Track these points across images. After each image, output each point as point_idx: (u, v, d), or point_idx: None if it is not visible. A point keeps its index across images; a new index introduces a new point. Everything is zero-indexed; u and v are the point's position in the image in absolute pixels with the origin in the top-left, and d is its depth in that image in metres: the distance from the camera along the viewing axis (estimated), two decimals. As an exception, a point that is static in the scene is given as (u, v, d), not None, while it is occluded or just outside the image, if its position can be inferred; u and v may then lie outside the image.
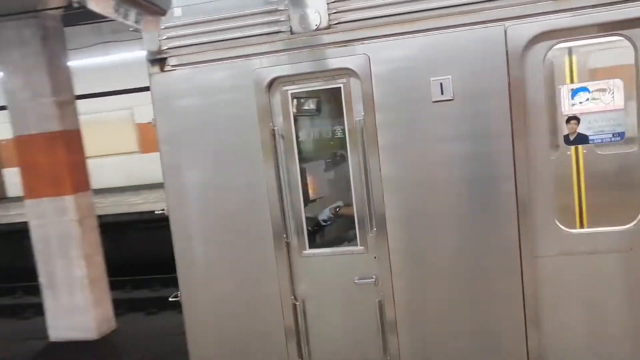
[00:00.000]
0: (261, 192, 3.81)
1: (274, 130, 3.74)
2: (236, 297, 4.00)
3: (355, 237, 3.80)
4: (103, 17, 2.92)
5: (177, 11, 3.77)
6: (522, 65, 3.34)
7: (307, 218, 3.93)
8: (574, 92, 3.46)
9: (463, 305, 3.65)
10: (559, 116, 3.66)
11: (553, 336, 3.57)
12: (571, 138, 3.51)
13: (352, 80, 3.60)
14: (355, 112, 3.62)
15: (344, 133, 3.71)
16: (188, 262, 4.07)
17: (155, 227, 9.26)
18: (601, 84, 3.44)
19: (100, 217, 7.51)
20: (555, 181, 3.54)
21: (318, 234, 4.06)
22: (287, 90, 3.71)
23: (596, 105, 3.42)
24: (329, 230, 4.10)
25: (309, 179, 4.00)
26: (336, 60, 3.57)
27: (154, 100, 3.93)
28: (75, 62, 8.04)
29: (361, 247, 3.77)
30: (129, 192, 15.43)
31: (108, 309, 7.57)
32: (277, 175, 3.77)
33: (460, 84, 3.42)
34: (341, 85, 3.63)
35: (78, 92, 7.39)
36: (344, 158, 3.81)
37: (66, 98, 7.04)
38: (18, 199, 13.32)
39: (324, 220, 4.08)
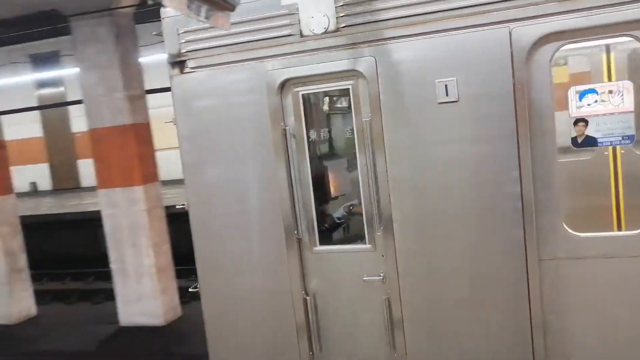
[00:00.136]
0: (274, 190, 3.90)
1: (285, 130, 3.81)
2: (250, 290, 4.10)
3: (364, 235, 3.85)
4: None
5: None
6: (527, 67, 3.30)
7: (327, 215, 4.07)
8: (582, 94, 3.37)
9: (468, 307, 3.64)
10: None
11: (559, 339, 3.52)
12: (579, 140, 3.43)
13: (360, 81, 3.64)
14: (363, 113, 3.66)
15: (352, 133, 3.77)
16: (206, 255, 4.20)
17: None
18: (610, 85, 3.36)
19: (167, 207, 7.76)
20: (564, 183, 3.48)
21: (333, 231, 4.16)
22: (298, 91, 3.80)
23: (605, 108, 3.33)
24: (342, 228, 4.20)
25: (331, 177, 4.12)
26: (344, 62, 3.63)
27: (174, 101, 4.08)
28: (146, 58, 8.32)
29: (369, 246, 3.81)
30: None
31: (174, 296, 7.82)
32: (289, 173, 3.85)
33: (465, 86, 3.41)
34: (350, 87, 3.68)
35: (147, 86, 7.67)
36: None
37: (137, 93, 7.31)
38: (91, 189, 13.97)
39: (338, 218, 4.18)
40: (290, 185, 3.86)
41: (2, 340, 7.98)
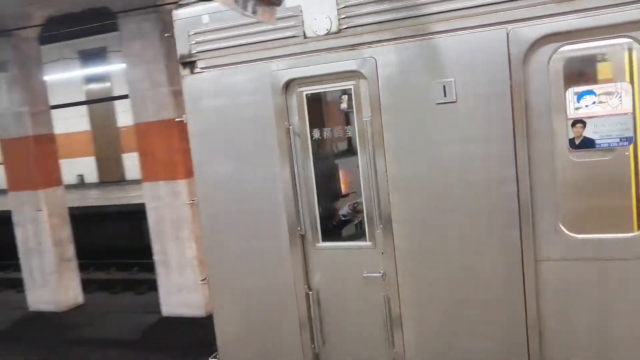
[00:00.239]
0: (278, 187, 4.00)
1: (289, 129, 3.88)
2: (257, 283, 4.20)
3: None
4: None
5: (204, 18, 4.02)
6: (525, 68, 3.30)
7: (336, 212, 4.18)
8: (580, 96, 3.35)
9: (465, 305, 3.66)
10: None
11: (554, 340, 3.51)
12: (577, 142, 3.40)
13: (362, 82, 3.70)
14: (364, 112, 3.71)
15: (353, 133, 3.84)
16: (214, 248, 4.33)
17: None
18: (608, 87, 3.33)
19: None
20: (561, 184, 3.43)
21: (340, 228, 4.23)
22: (302, 91, 3.87)
23: (603, 109, 3.31)
24: (346, 225, 4.25)
25: (342, 174, 4.20)
26: (346, 63, 3.69)
27: (185, 100, 4.22)
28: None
29: (370, 243, 3.87)
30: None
31: (215, 288, 7.93)
32: (292, 171, 3.93)
33: (463, 87, 3.43)
34: (351, 87, 3.74)
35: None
36: None
37: (181, 88, 7.41)
38: (135, 182, 14.31)
39: (344, 215, 4.23)
40: (294, 182, 3.94)
41: (51, 327, 8.27)
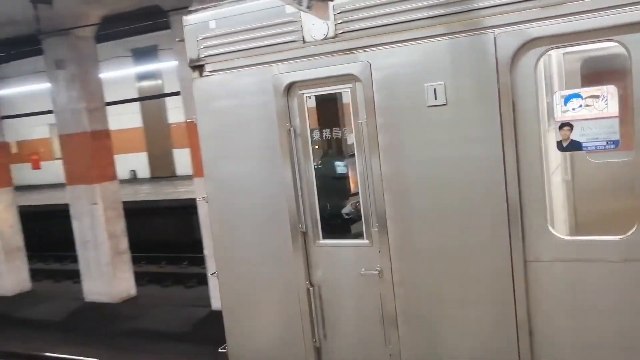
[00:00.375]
0: (281, 185, 4.12)
1: (290, 130, 4.01)
2: (261, 279, 4.34)
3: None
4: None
5: (211, 23, 4.17)
6: (513, 72, 3.35)
7: (338, 210, 4.36)
8: (567, 99, 3.39)
9: (456, 305, 3.72)
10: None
11: (544, 340, 3.56)
12: (564, 145, 3.44)
13: (357, 85, 3.80)
14: (360, 115, 3.82)
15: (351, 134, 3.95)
16: (222, 244, 4.49)
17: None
18: (594, 90, 3.36)
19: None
20: (550, 186, 3.44)
21: (341, 226, 4.37)
22: (303, 93, 4.01)
23: (589, 112, 3.36)
24: (346, 223, 4.37)
25: (351, 173, 4.30)
26: (342, 66, 3.81)
27: (195, 102, 4.39)
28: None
29: (367, 241, 3.97)
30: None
31: (263, 283, 7.99)
32: (293, 170, 4.06)
33: (453, 90, 3.50)
34: (348, 90, 3.86)
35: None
36: None
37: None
38: (185, 177, 14.59)
39: (346, 214, 4.36)
40: (295, 181, 4.06)
41: (105, 318, 8.54)
